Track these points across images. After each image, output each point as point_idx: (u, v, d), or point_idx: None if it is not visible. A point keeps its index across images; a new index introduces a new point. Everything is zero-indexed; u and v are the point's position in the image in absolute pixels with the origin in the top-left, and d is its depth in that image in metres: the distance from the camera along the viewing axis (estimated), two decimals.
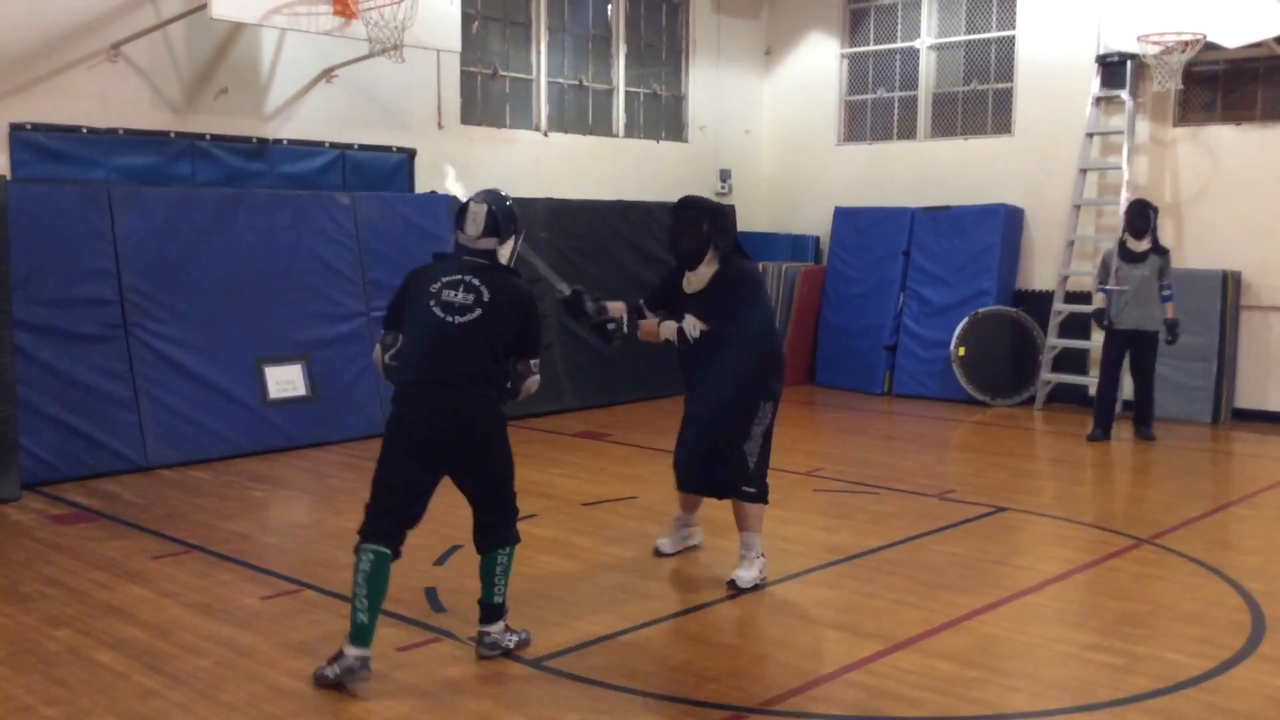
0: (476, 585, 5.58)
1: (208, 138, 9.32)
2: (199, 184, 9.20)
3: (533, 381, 4.74)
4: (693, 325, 5.64)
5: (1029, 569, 6.07)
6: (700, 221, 5.65)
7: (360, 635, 4.40)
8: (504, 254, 4.77)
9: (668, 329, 5.72)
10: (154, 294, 8.54)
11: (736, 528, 5.82)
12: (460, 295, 4.56)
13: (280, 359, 9.17)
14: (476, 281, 4.59)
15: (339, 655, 4.41)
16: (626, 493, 7.62)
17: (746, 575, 5.65)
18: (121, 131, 8.83)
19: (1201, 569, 6.08)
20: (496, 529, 4.74)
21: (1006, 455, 9.25)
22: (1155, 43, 9.93)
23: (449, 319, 4.54)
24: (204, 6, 8.13)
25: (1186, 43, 9.83)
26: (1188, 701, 4.38)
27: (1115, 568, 6.13)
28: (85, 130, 8.64)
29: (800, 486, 7.95)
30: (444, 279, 4.61)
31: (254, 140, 9.59)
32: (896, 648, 4.91)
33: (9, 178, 8.05)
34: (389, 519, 4.54)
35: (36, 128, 8.38)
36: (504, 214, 4.71)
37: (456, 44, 9.49)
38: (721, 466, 5.79)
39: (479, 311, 4.54)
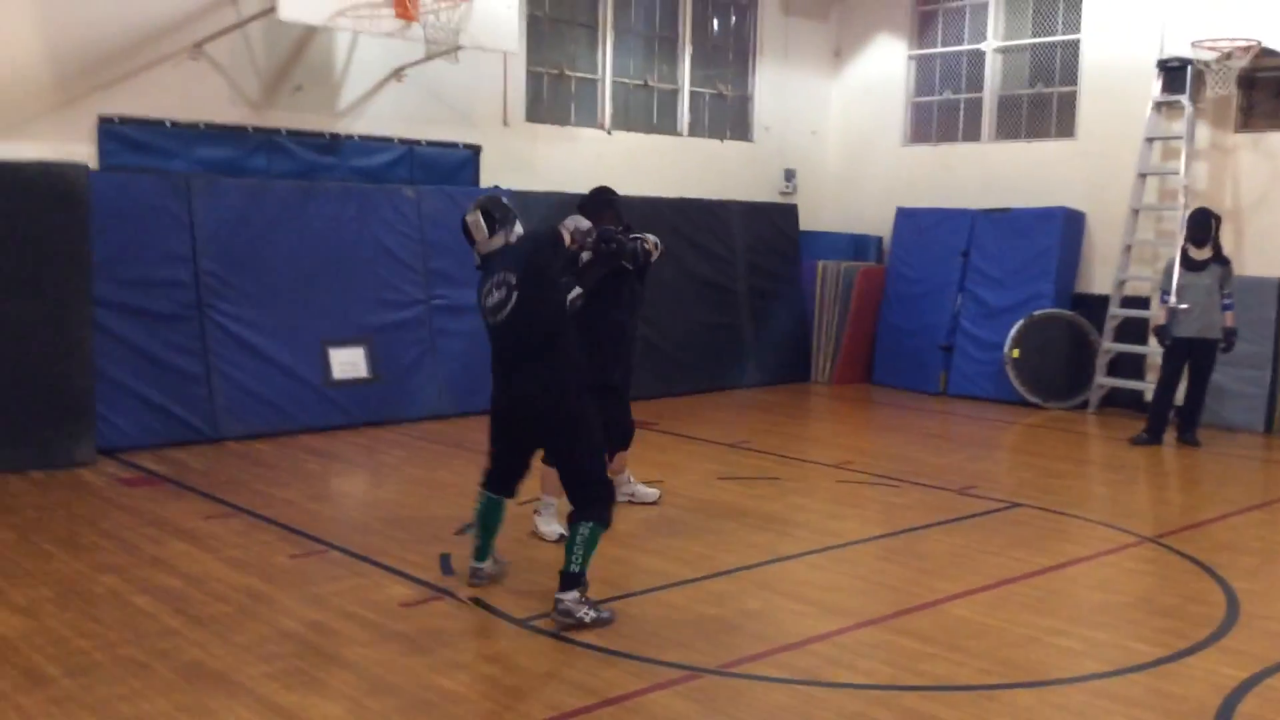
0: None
1: (283, 132, 9.92)
2: (274, 176, 9.80)
3: (650, 240, 6.01)
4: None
5: (1021, 560, 6.24)
6: (616, 207, 6.63)
7: (478, 553, 5.54)
8: (515, 238, 5.31)
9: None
10: (228, 278, 9.14)
11: (614, 472, 6.71)
12: (497, 295, 5.14)
13: (344, 342, 9.71)
14: (504, 273, 5.14)
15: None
16: (653, 477, 7.93)
17: (651, 492, 7.37)
18: (202, 125, 9.47)
19: (1194, 567, 6.19)
20: (582, 502, 5.13)
21: (1042, 456, 9.34)
22: (1210, 48, 9.89)
23: (493, 320, 5.17)
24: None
25: (1243, 49, 9.77)
26: (1130, 684, 4.56)
27: (1109, 563, 6.28)
28: (169, 124, 9.29)
29: (824, 477, 8.21)
30: (484, 288, 5.24)
31: (327, 135, 10.17)
32: (864, 624, 5.17)
33: (97, 167, 8.75)
34: (497, 474, 5.48)
35: (123, 120, 9.05)
36: (498, 209, 5.28)
37: (514, 45, 9.93)
38: (617, 424, 6.75)
39: (513, 299, 5.07)
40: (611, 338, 6.48)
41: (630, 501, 7.22)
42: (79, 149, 8.76)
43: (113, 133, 9.01)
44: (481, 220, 5.25)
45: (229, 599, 5.35)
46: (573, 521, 5.13)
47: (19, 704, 4.18)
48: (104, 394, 8.32)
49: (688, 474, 8.17)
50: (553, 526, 6.39)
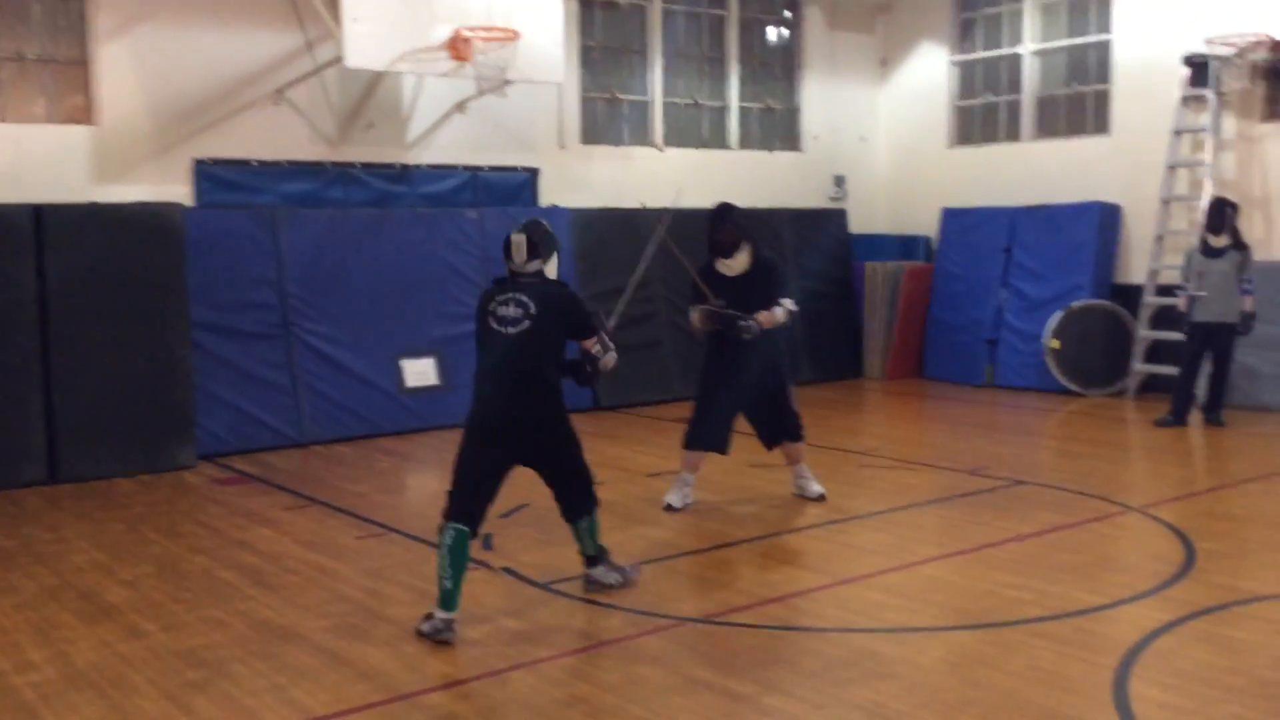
0: (530, 534, 6.82)
1: (358, 165, 10.96)
2: (350, 206, 10.83)
3: (609, 358, 5.69)
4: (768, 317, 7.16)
5: (1003, 529, 6.83)
6: (732, 221, 7.16)
7: (447, 601, 5.17)
8: (550, 270, 5.77)
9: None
10: (310, 299, 10.16)
11: (790, 463, 7.59)
12: (511, 310, 5.53)
13: (416, 353, 10.68)
14: (524, 297, 5.55)
15: (430, 616, 5.21)
16: None
17: (816, 488, 7.55)
18: (285, 163, 10.55)
19: (1168, 532, 6.72)
20: (576, 500, 5.79)
21: (1064, 439, 9.86)
22: (1225, 44, 10.29)
23: (504, 330, 5.45)
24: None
25: (1254, 43, 10.16)
26: (1062, 625, 5.18)
27: (1088, 530, 6.85)
28: (255, 163, 10.39)
29: (848, 462, 8.88)
30: (498, 298, 5.62)
31: (397, 166, 11.18)
32: (843, 582, 5.88)
33: (193, 204, 9.87)
34: (468, 502, 5.35)
35: (215, 162, 10.18)
36: (542, 238, 5.67)
37: (560, 76, 10.81)
38: (777, 422, 7.38)
39: (527, 323, 5.50)
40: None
41: (801, 495, 7.61)
42: (176, 190, 9.90)
43: (206, 173, 10.14)
44: (525, 246, 5.57)
45: (299, 572, 6.28)
46: (577, 518, 5.75)
47: (122, 653, 5.13)
48: (202, 405, 9.38)
49: (722, 462, 8.81)
50: (682, 494, 7.48)
